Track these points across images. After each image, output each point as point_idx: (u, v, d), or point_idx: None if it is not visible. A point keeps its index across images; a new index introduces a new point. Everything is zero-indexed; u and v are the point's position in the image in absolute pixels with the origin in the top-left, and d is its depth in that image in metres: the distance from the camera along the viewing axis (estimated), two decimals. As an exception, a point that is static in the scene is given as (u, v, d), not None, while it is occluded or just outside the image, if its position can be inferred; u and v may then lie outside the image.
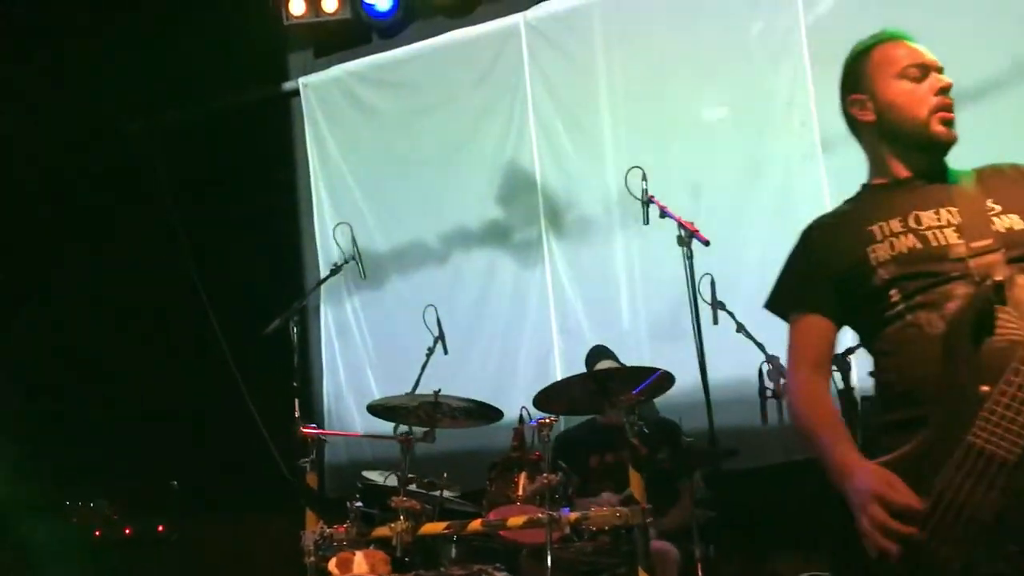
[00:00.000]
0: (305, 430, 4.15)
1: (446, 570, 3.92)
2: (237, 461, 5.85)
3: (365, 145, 6.60)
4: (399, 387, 5.21)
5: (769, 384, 4.04)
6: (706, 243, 4.05)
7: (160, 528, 5.71)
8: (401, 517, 3.83)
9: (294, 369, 4.77)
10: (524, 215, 6.05)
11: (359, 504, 4.32)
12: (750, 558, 4.50)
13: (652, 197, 4.21)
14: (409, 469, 4.02)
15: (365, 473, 4.83)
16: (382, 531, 3.91)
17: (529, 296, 5.97)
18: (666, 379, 3.84)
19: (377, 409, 4.24)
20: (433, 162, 6.36)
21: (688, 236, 4.03)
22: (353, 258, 5.00)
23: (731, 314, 4.49)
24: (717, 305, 4.45)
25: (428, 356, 5.34)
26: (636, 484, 3.56)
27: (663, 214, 4.14)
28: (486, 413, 4.18)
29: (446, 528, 3.85)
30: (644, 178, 4.27)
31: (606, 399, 3.92)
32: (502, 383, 5.67)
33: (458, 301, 6.08)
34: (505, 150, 6.14)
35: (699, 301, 4.30)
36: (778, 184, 5.36)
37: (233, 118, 6.73)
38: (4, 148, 5.78)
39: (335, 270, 4.95)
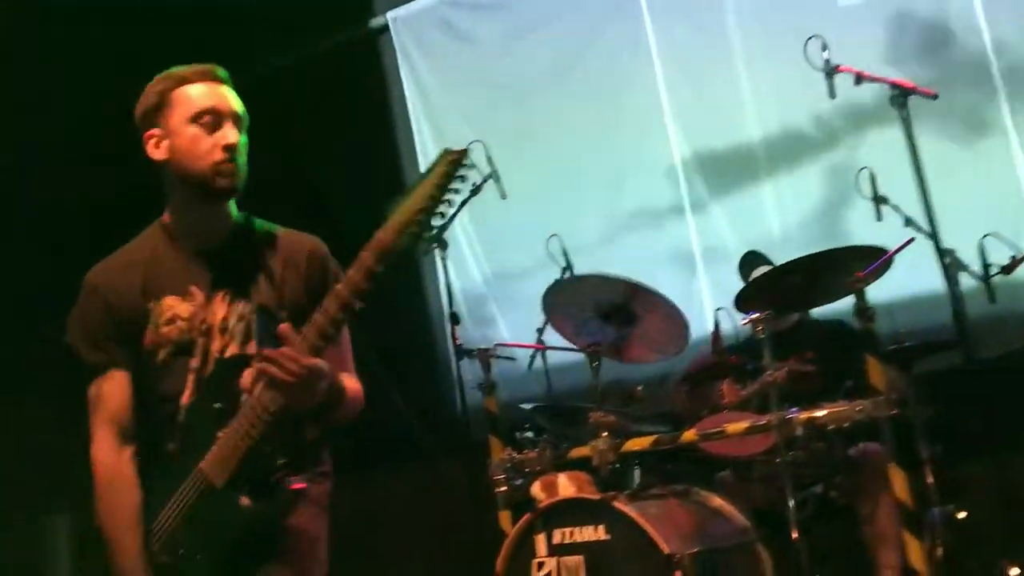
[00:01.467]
0: (492, 346, 3.84)
1: (658, 490, 3.56)
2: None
3: (465, 75, 6.21)
4: (527, 322, 4.87)
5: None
6: (934, 96, 3.59)
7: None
8: (604, 433, 3.46)
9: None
10: (647, 134, 5.63)
11: (529, 433, 3.99)
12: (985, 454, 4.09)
13: (839, 66, 3.79)
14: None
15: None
16: (581, 451, 3.57)
17: (665, 221, 5.57)
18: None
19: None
20: (541, 87, 5.95)
21: (903, 95, 3.57)
22: (491, 176, 4.63)
23: (896, 208, 4.08)
24: (879, 200, 4.06)
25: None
26: (875, 372, 3.17)
27: (859, 79, 3.69)
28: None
29: (654, 443, 3.48)
30: (825, 47, 3.84)
31: (817, 288, 3.52)
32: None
33: (582, 230, 5.69)
34: (621, 65, 5.72)
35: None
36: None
37: (321, 63, 6.36)
38: (100, 100, 5.45)
39: (475, 190, 4.57)
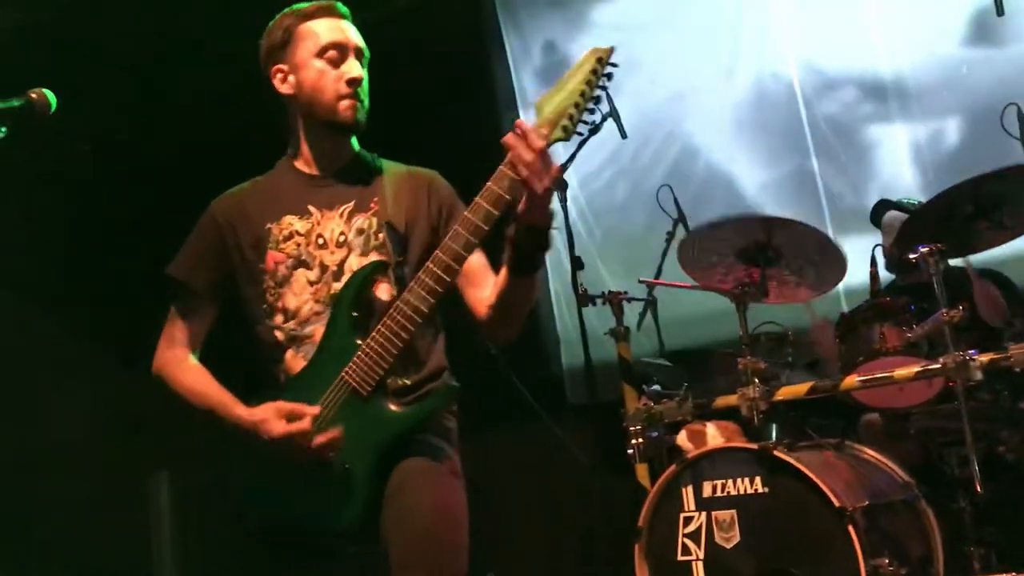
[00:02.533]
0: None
1: (808, 441, 3.29)
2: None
3: (568, 18, 5.93)
4: (631, 273, 4.61)
5: None
6: None
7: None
8: (755, 380, 3.19)
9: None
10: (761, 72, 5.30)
11: (656, 387, 3.74)
12: None
13: None
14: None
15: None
16: (727, 400, 3.31)
17: (782, 153, 5.22)
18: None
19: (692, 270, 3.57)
20: (648, 28, 5.64)
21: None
22: (611, 114, 4.35)
23: None
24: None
25: (668, 241, 4.73)
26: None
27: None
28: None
29: (810, 391, 3.20)
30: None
31: (991, 221, 3.20)
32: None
33: (691, 177, 5.39)
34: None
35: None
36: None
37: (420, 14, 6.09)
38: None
39: (595, 129, 4.29)
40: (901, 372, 3.08)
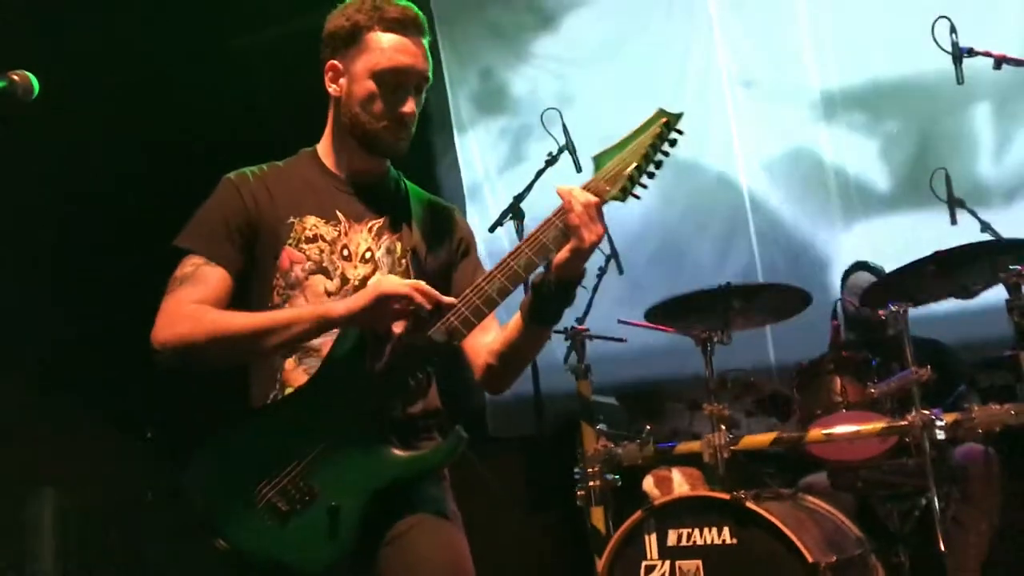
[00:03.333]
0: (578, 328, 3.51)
1: (768, 491, 3.27)
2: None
3: (509, 47, 5.89)
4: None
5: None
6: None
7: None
8: (721, 427, 3.16)
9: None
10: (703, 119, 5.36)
11: (602, 426, 3.67)
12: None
13: (970, 49, 3.53)
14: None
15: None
16: (689, 446, 3.26)
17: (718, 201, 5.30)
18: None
19: (656, 314, 3.54)
20: (587, 64, 5.66)
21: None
22: (566, 147, 4.30)
23: (973, 212, 3.87)
24: (955, 203, 3.84)
25: (599, 278, 4.70)
26: (1032, 375, 2.92)
27: (999, 63, 3.45)
28: (792, 301, 3.49)
29: (774, 441, 3.19)
30: (953, 29, 3.59)
31: (954, 281, 3.27)
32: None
33: (626, 219, 5.39)
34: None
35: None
36: None
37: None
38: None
39: (551, 161, 4.24)
40: (867, 428, 3.10)
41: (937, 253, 3.22)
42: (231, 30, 5.85)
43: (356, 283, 2.08)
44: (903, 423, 3.02)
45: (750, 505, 2.91)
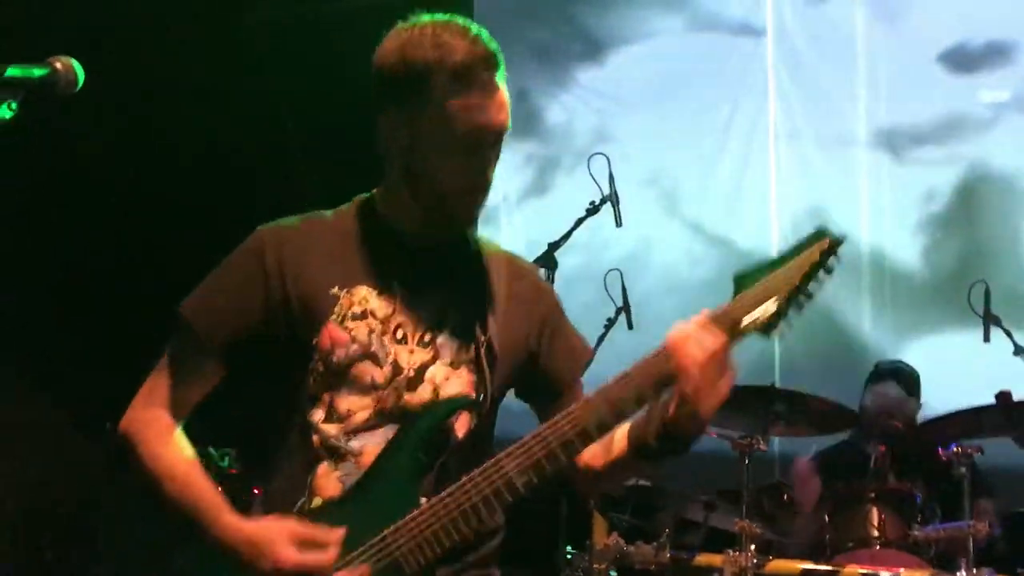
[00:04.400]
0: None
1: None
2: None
3: (550, 71, 5.61)
4: None
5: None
6: None
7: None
8: (751, 547, 2.89)
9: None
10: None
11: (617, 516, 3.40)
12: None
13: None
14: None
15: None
16: (710, 559, 2.98)
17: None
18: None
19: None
20: (630, 103, 5.38)
21: None
22: (609, 199, 4.00)
23: (1008, 333, 3.69)
24: (992, 319, 3.65)
25: (608, 328, 4.41)
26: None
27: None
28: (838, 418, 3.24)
29: (803, 573, 2.91)
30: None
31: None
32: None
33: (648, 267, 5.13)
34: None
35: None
36: None
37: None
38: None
39: (592, 211, 3.93)
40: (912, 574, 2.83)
41: (1004, 399, 3.00)
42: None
43: (411, 374, 1.70)
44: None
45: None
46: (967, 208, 4.86)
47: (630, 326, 4.27)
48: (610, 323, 4.37)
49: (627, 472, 1.75)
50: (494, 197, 5.56)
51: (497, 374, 1.72)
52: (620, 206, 4.07)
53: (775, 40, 5.17)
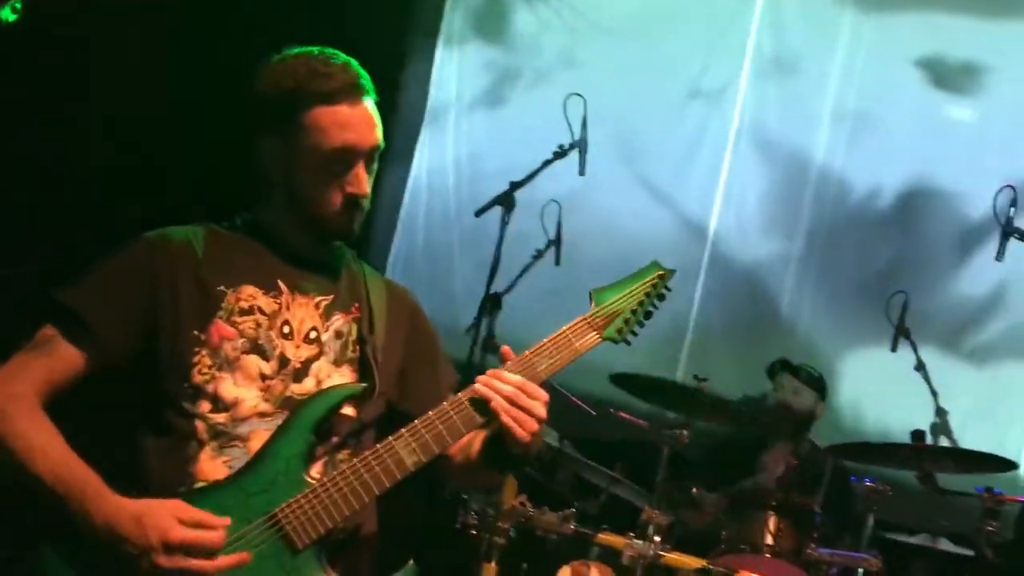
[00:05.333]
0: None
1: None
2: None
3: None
4: None
5: None
6: None
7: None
8: (655, 536, 2.93)
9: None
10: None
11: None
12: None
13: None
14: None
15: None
16: (612, 540, 3.02)
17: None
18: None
19: (620, 380, 3.25)
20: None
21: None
22: (578, 145, 3.88)
23: (915, 346, 3.85)
24: (902, 331, 3.81)
25: (535, 259, 4.35)
26: None
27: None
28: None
29: (699, 570, 2.96)
30: (1014, 202, 3.37)
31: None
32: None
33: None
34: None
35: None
36: None
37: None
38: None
39: (560, 154, 3.81)
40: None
41: (917, 441, 3.09)
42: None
43: (297, 366, 1.81)
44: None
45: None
46: (905, 214, 4.91)
47: (557, 262, 4.23)
48: (538, 254, 4.32)
49: (477, 475, 1.90)
50: (446, 95, 5.35)
51: (382, 373, 1.84)
52: (587, 155, 3.98)
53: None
